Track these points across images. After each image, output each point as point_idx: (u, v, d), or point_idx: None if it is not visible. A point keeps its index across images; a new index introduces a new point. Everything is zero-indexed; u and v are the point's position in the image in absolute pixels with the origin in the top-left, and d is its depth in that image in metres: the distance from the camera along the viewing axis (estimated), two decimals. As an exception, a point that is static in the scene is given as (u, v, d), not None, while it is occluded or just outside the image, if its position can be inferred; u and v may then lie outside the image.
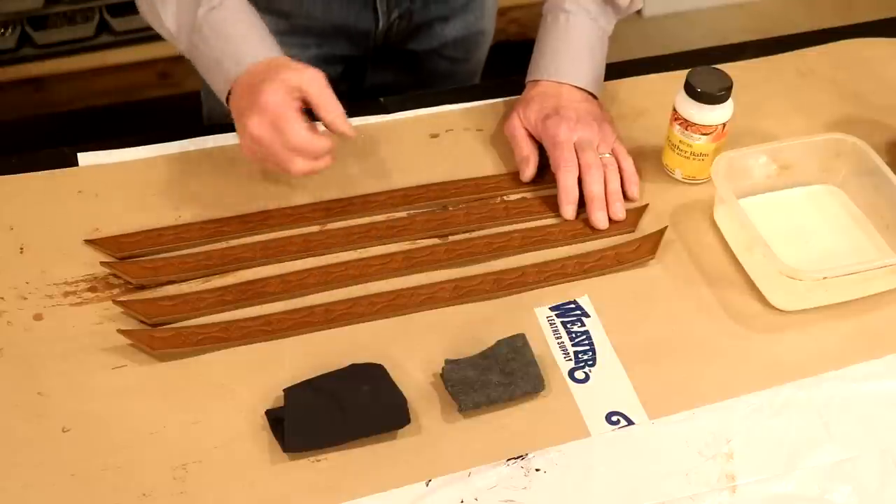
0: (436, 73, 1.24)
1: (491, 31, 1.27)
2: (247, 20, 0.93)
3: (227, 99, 0.92)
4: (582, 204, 0.97)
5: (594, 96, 1.03)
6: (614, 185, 0.97)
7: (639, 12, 2.60)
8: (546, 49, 1.03)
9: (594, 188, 0.96)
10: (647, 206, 0.98)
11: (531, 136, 1.01)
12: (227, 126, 1.04)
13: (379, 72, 1.21)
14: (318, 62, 0.93)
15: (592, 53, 1.03)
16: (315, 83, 0.88)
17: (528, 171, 0.99)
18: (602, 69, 1.04)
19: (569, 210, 0.96)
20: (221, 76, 0.91)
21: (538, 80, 1.02)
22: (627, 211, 0.97)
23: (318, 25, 1.00)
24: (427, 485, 0.77)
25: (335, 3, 1.09)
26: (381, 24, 1.13)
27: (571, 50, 1.02)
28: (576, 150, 0.97)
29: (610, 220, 0.96)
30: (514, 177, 1.01)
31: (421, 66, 1.22)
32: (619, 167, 0.98)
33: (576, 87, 1.01)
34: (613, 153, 0.99)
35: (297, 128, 0.87)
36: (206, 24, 0.91)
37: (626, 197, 0.98)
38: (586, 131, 0.98)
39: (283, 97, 0.87)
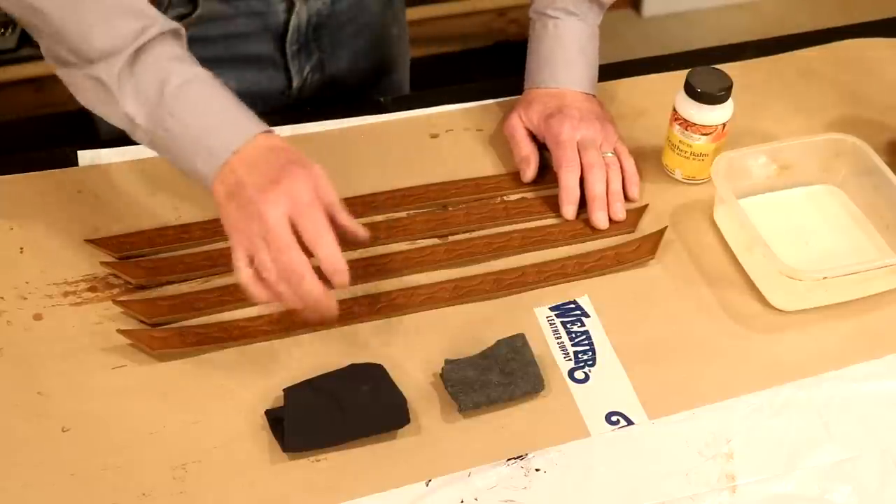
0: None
1: (406, 53, 1.25)
2: (223, 94, 0.82)
3: (213, 182, 0.80)
4: (582, 204, 0.97)
5: (594, 96, 1.03)
6: (616, 185, 0.97)
7: (639, 12, 2.60)
8: (539, 58, 1.03)
9: (596, 188, 0.96)
10: (647, 206, 0.98)
11: (531, 136, 1.01)
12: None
13: None
14: None
15: (585, 55, 1.03)
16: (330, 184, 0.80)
17: (529, 172, 0.99)
18: (596, 67, 1.04)
19: (569, 210, 0.96)
20: (203, 157, 0.80)
21: (535, 88, 1.03)
22: (627, 211, 0.97)
23: (233, 91, 0.91)
24: (427, 485, 0.77)
25: (248, 72, 1.06)
26: (294, 83, 1.10)
27: (565, 56, 1.02)
28: (579, 149, 0.97)
29: (610, 220, 0.96)
30: (514, 177, 1.01)
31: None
32: (621, 167, 0.98)
33: (574, 90, 1.01)
34: (615, 152, 0.99)
35: (332, 238, 0.78)
36: (178, 99, 0.79)
37: (626, 197, 0.98)
38: (589, 130, 0.98)
39: (311, 190, 0.78)
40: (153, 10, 0.81)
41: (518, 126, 1.01)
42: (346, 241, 0.81)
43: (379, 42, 1.16)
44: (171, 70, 0.80)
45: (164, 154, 0.83)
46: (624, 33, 2.52)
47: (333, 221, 0.79)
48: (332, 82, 1.09)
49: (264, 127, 0.81)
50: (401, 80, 1.25)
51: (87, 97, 0.83)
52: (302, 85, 1.10)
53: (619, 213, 0.96)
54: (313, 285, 0.77)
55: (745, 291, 0.91)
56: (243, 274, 0.79)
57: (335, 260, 0.78)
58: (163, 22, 0.80)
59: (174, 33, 0.81)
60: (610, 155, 0.98)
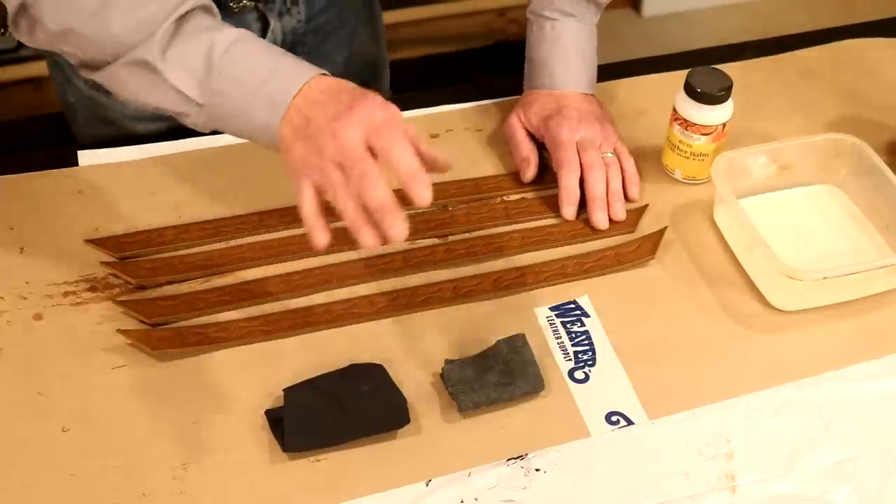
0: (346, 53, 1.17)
1: (385, 66, 1.24)
2: (273, 48, 0.80)
3: (279, 128, 0.77)
4: (582, 204, 0.97)
5: (593, 96, 1.03)
6: (616, 185, 0.97)
7: (638, 12, 2.60)
8: (537, 61, 1.03)
9: (596, 188, 0.96)
10: (647, 206, 0.98)
11: (530, 137, 1.01)
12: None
13: None
14: None
15: (584, 56, 1.03)
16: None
17: (529, 172, 0.99)
18: (594, 67, 1.04)
19: (569, 211, 0.96)
20: (263, 107, 0.77)
21: (534, 90, 1.03)
22: (627, 211, 0.97)
23: None
24: (427, 485, 0.77)
25: None
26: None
27: (563, 58, 1.02)
28: (579, 150, 0.97)
29: (610, 220, 0.96)
30: (514, 177, 1.01)
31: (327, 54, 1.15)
32: (621, 167, 0.98)
33: (573, 91, 1.01)
34: (615, 152, 0.99)
35: (413, 152, 0.72)
36: (228, 62, 0.78)
37: (626, 198, 0.98)
38: (589, 130, 0.98)
39: (386, 115, 0.74)
40: None
41: (517, 127, 1.01)
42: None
43: (360, 58, 1.16)
44: (213, 37, 0.78)
45: (219, 123, 0.80)
46: (624, 33, 2.52)
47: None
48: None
49: (319, 70, 0.78)
50: (382, 92, 1.25)
51: (131, 87, 0.81)
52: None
53: (620, 214, 0.96)
54: (383, 192, 0.71)
55: (745, 291, 0.91)
56: (307, 206, 0.75)
57: (417, 171, 0.72)
58: None
59: (206, 8, 0.81)
60: (610, 155, 0.98)
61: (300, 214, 0.75)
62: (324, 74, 0.78)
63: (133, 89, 0.81)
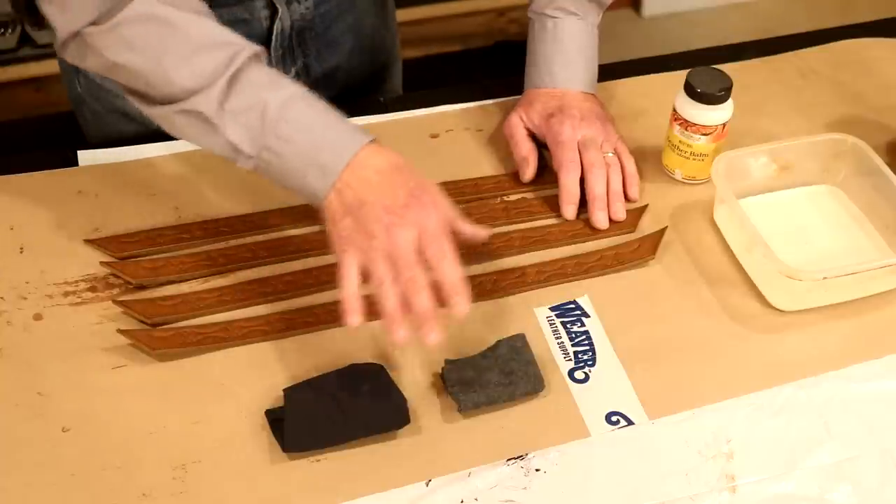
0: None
1: (397, 61, 1.25)
2: (323, 108, 0.82)
3: (326, 196, 0.80)
4: (582, 204, 0.97)
5: (594, 96, 1.03)
6: (616, 185, 0.97)
7: (638, 12, 2.60)
8: (538, 58, 1.03)
9: (597, 188, 0.96)
10: (646, 206, 0.98)
11: (531, 136, 1.01)
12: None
13: None
14: None
15: (585, 55, 1.03)
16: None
17: (528, 172, 0.99)
18: (595, 66, 1.04)
19: (570, 210, 0.96)
20: (316, 172, 0.79)
21: (536, 88, 1.03)
22: (627, 211, 0.97)
23: None
24: (427, 485, 0.77)
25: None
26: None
27: (564, 56, 1.02)
28: (580, 149, 0.97)
29: (610, 220, 0.96)
30: (514, 177, 1.01)
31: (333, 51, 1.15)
32: (622, 166, 0.98)
33: (575, 90, 1.01)
34: (616, 152, 0.99)
35: (456, 263, 0.78)
36: (283, 121, 0.79)
37: (626, 198, 0.98)
38: (590, 130, 0.98)
39: (440, 220, 0.78)
40: (235, 36, 0.81)
41: (518, 126, 1.01)
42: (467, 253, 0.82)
43: (369, 45, 1.16)
44: (268, 93, 0.80)
45: (270, 176, 0.82)
46: (624, 33, 2.52)
47: (455, 232, 0.80)
48: (318, 86, 1.09)
49: (370, 136, 0.81)
50: (393, 87, 1.25)
51: (185, 132, 0.83)
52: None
53: (620, 214, 0.96)
54: (429, 300, 0.76)
55: (745, 291, 0.91)
56: (350, 285, 0.78)
57: (457, 282, 0.77)
58: (248, 46, 0.81)
59: (258, 56, 0.82)
60: (611, 155, 0.98)
61: (340, 287, 0.78)
62: (373, 141, 0.81)
63: (187, 133, 0.83)
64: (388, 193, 0.78)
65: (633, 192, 0.99)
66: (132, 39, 0.79)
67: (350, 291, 0.78)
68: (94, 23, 0.79)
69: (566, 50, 1.02)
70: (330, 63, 1.11)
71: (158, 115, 0.83)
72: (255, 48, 0.82)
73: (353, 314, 0.77)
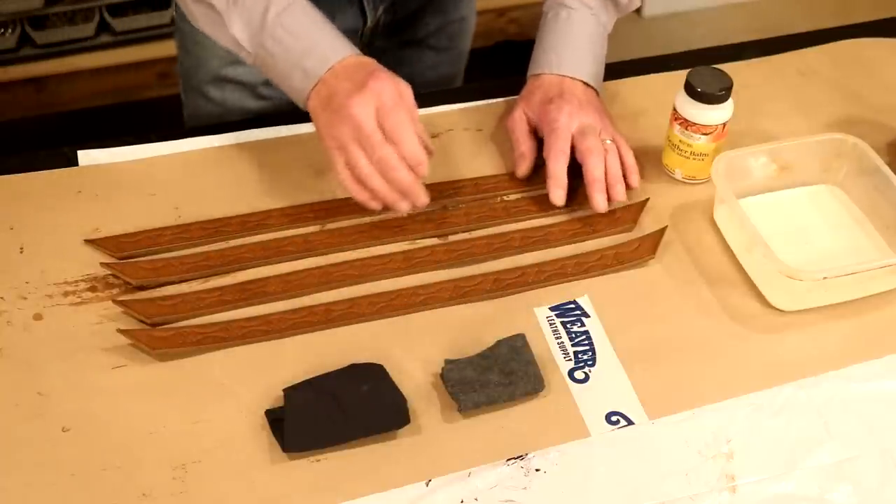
0: (422, 65, 1.24)
1: (472, 19, 1.28)
2: (319, 19, 0.92)
3: (308, 97, 0.90)
4: (581, 200, 0.96)
5: (596, 93, 1.03)
6: (615, 169, 0.96)
7: (638, 12, 2.60)
8: (547, 44, 1.03)
9: (595, 171, 0.95)
10: (647, 200, 0.98)
11: (532, 133, 1.01)
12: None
13: None
14: None
15: (593, 48, 1.03)
16: (412, 96, 0.89)
17: (523, 169, 1.00)
18: (602, 65, 1.04)
19: (558, 195, 0.95)
20: (300, 75, 0.90)
21: (539, 74, 1.02)
22: (627, 206, 0.97)
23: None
24: (427, 485, 0.77)
25: (322, 6, 1.08)
26: (368, 21, 1.13)
27: (573, 43, 1.02)
28: (577, 136, 0.97)
29: (611, 216, 0.96)
30: (514, 177, 1.01)
31: (406, 59, 1.21)
32: (620, 156, 0.98)
33: (577, 80, 1.01)
34: (614, 141, 0.98)
35: (413, 134, 0.88)
36: (278, 25, 0.90)
37: (626, 186, 0.98)
38: (588, 118, 0.98)
39: (396, 93, 0.87)
40: None
41: (521, 121, 1.01)
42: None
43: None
44: None
45: (266, 72, 0.93)
46: (624, 33, 2.50)
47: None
48: (399, 27, 1.17)
49: (356, 50, 0.91)
50: (461, 50, 1.30)
51: (198, 20, 0.94)
52: (375, 25, 1.14)
53: (620, 195, 0.96)
54: (404, 173, 0.87)
55: (745, 291, 0.91)
56: (342, 174, 0.89)
57: (417, 152, 0.87)
58: None
59: None
60: (609, 142, 0.98)
61: (340, 181, 0.90)
62: (359, 55, 0.90)
63: (201, 22, 0.94)
64: (352, 80, 0.87)
65: (633, 179, 0.98)
66: None
67: (342, 179, 0.89)
68: None
69: (575, 38, 1.02)
70: (413, 5, 1.17)
71: (184, 7, 0.95)
72: None
73: (362, 194, 0.89)
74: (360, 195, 0.89)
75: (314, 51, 0.90)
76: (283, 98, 0.95)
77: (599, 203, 0.95)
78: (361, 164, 0.87)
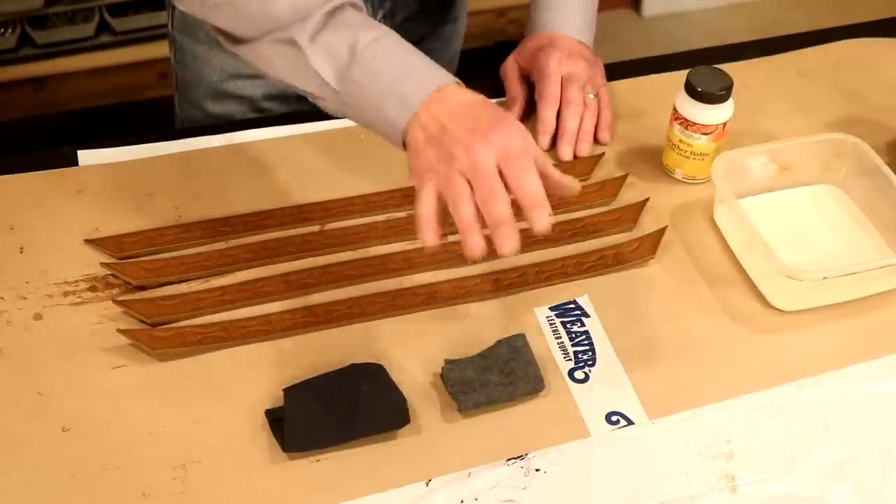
0: None
1: (464, 20, 1.31)
2: (412, 48, 0.83)
3: (407, 130, 0.80)
4: (580, 203, 0.97)
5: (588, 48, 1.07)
6: (588, 125, 1.02)
7: (638, 12, 2.61)
8: (541, 5, 1.07)
9: (569, 122, 1.01)
10: (647, 200, 0.98)
11: (523, 80, 1.06)
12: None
13: None
14: None
15: (586, 9, 1.07)
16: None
17: (515, 111, 1.04)
18: (593, 24, 1.08)
19: (544, 140, 1.02)
20: (395, 103, 0.80)
21: (532, 35, 1.07)
22: (628, 206, 0.97)
23: None
24: (427, 485, 0.77)
25: None
26: None
27: (563, 5, 1.06)
28: (563, 83, 1.01)
29: (575, 155, 1.01)
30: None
31: None
32: (600, 110, 1.03)
33: (570, 37, 1.05)
34: (597, 96, 1.03)
35: (538, 179, 0.76)
36: (368, 55, 0.80)
37: (596, 140, 1.03)
38: (576, 67, 1.02)
39: (524, 147, 0.77)
40: None
41: (511, 68, 1.06)
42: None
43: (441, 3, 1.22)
44: (360, 31, 0.81)
45: (350, 112, 0.83)
46: (624, 33, 2.52)
47: (542, 175, 0.78)
48: (395, 30, 1.15)
49: (455, 79, 0.81)
50: (452, 53, 1.31)
51: (274, 64, 0.84)
52: None
53: (584, 152, 1.02)
54: (506, 209, 0.75)
55: (745, 291, 0.91)
56: (426, 206, 0.77)
57: (539, 195, 0.76)
58: None
59: (355, 5, 0.84)
60: (591, 97, 1.02)
61: (417, 213, 0.77)
62: (458, 83, 0.81)
63: (275, 65, 0.84)
64: (471, 119, 0.77)
65: (605, 135, 1.04)
66: None
67: (425, 212, 0.77)
68: None
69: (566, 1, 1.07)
70: (413, 7, 1.16)
71: (251, 51, 0.84)
72: None
73: (430, 233, 0.77)
74: (427, 233, 0.77)
75: (411, 78, 0.80)
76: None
77: (565, 154, 1.01)
78: (459, 189, 0.75)
